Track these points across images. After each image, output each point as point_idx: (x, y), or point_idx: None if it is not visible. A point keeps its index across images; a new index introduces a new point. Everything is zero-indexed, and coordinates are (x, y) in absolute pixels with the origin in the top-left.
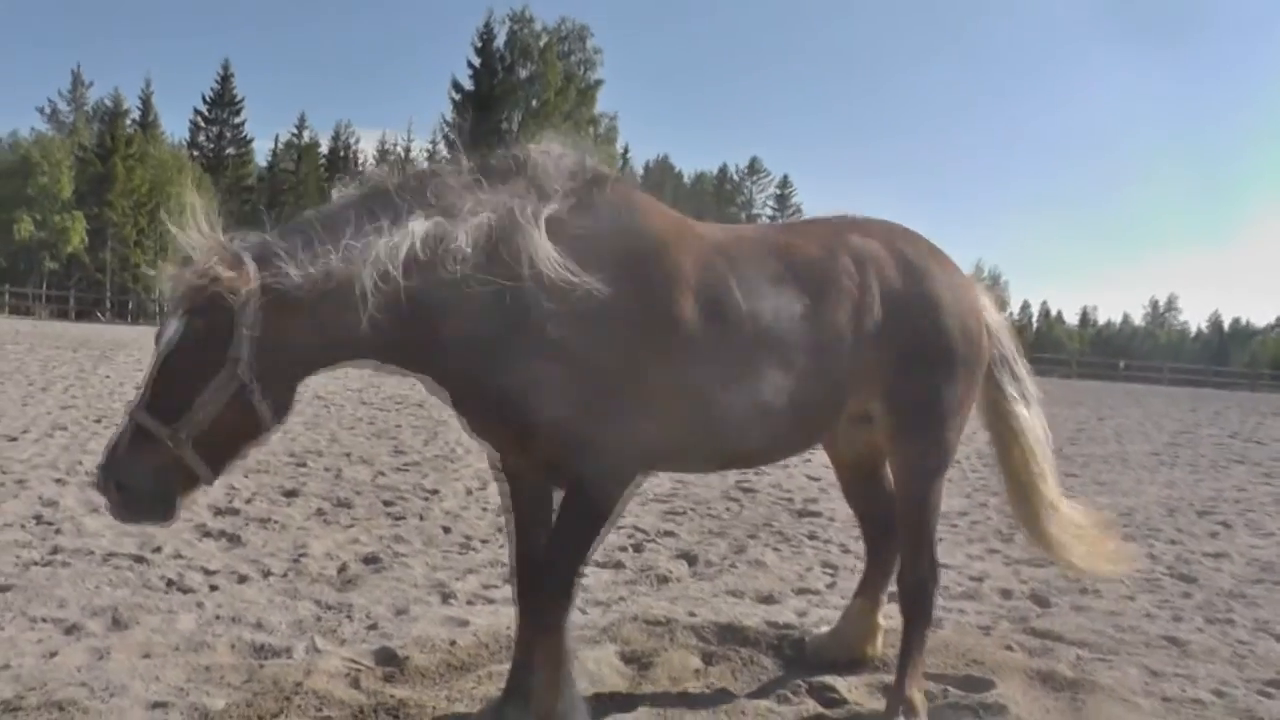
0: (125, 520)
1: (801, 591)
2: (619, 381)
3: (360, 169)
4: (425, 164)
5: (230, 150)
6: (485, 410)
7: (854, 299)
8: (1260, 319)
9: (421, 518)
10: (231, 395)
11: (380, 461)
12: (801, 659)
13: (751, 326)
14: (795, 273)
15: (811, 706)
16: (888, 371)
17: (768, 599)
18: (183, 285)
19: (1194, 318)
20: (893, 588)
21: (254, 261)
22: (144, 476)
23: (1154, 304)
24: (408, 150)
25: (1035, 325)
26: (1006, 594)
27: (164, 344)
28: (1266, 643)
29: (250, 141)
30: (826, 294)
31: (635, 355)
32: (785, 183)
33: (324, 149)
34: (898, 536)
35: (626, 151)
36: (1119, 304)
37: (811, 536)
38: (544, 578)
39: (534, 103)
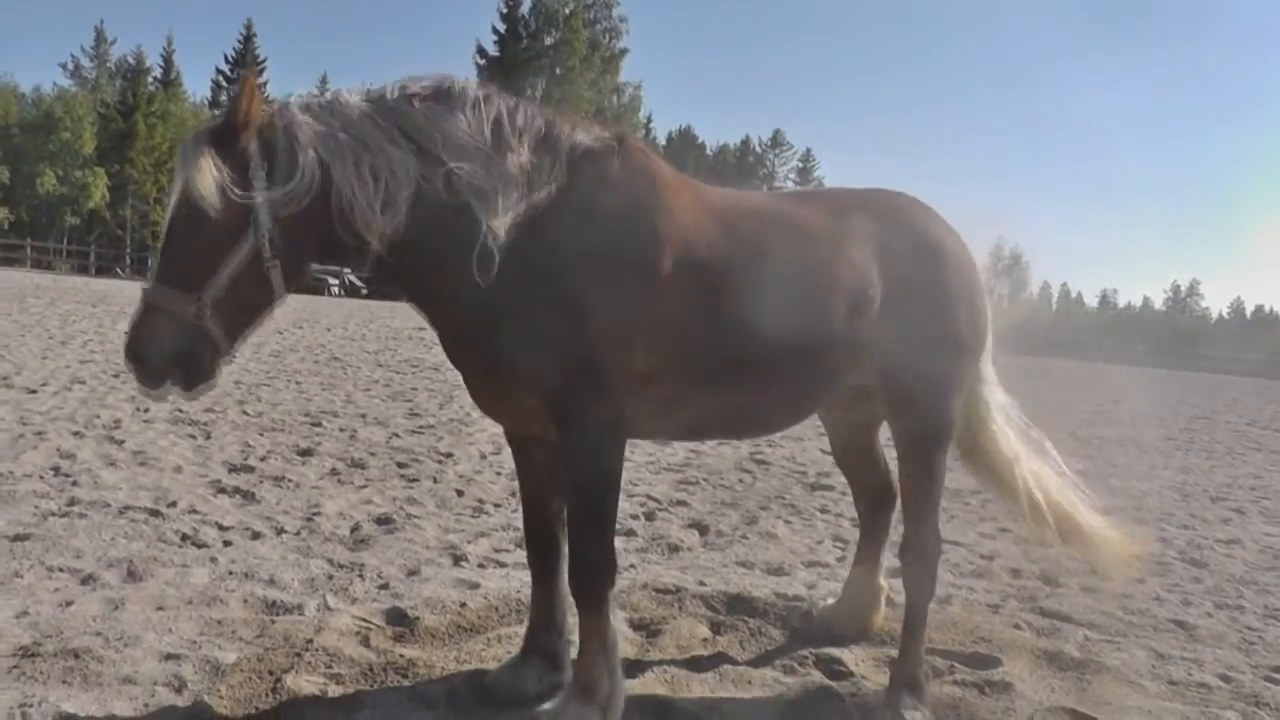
0: (151, 390)
1: (812, 564)
2: (600, 342)
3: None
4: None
5: None
6: (474, 361)
7: (858, 273)
8: None
9: (435, 480)
10: (247, 264)
11: (395, 423)
12: (809, 631)
13: (747, 295)
14: (801, 243)
15: (817, 678)
16: (891, 346)
17: (778, 570)
18: (206, 127)
19: (1215, 304)
20: (895, 561)
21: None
22: (166, 345)
23: (1175, 288)
24: None
25: (1055, 307)
26: (1016, 573)
27: (179, 203)
28: (1275, 629)
29: (272, 102)
30: (830, 266)
31: (623, 312)
32: (808, 156)
33: None
34: (893, 506)
35: (650, 121)
36: (1140, 287)
37: (823, 510)
38: (575, 558)
39: (558, 70)
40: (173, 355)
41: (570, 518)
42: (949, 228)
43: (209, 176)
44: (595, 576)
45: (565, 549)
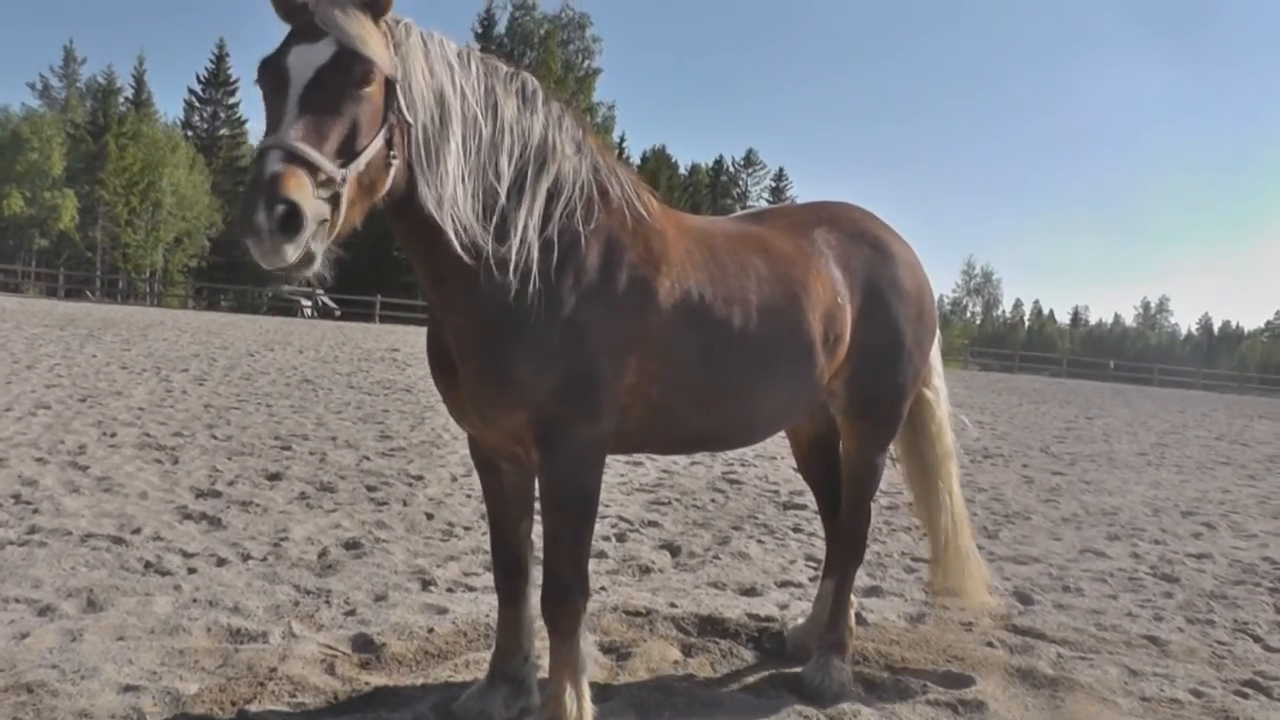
0: (275, 259)
1: (784, 584)
2: (597, 358)
3: None
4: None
5: (224, 131)
6: (470, 367)
7: (829, 284)
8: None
9: (405, 503)
10: (379, 150)
11: (366, 446)
12: (781, 651)
13: (731, 315)
14: (775, 262)
15: (789, 700)
16: (855, 354)
17: (750, 591)
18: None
19: (1184, 320)
20: (866, 579)
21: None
22: (314, 208)
23: (1145, 305)
24: None
25: (1027, 324)
26: (989, 590)
27: (331, 66)
28: (1245, 643)
29: (245, 122)
30: (805, 281)
31: (618, 335)
32: (781, 175)
33: None
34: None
35: (623, 141)
36: (1110, 304)
37: (796, 529)
38: (547, 582)
39: None
40: (316, 220)
41: (545, 540)
42: (893, 230)
43: (379, 39)
44: (567, 601)
45: (533, 572)
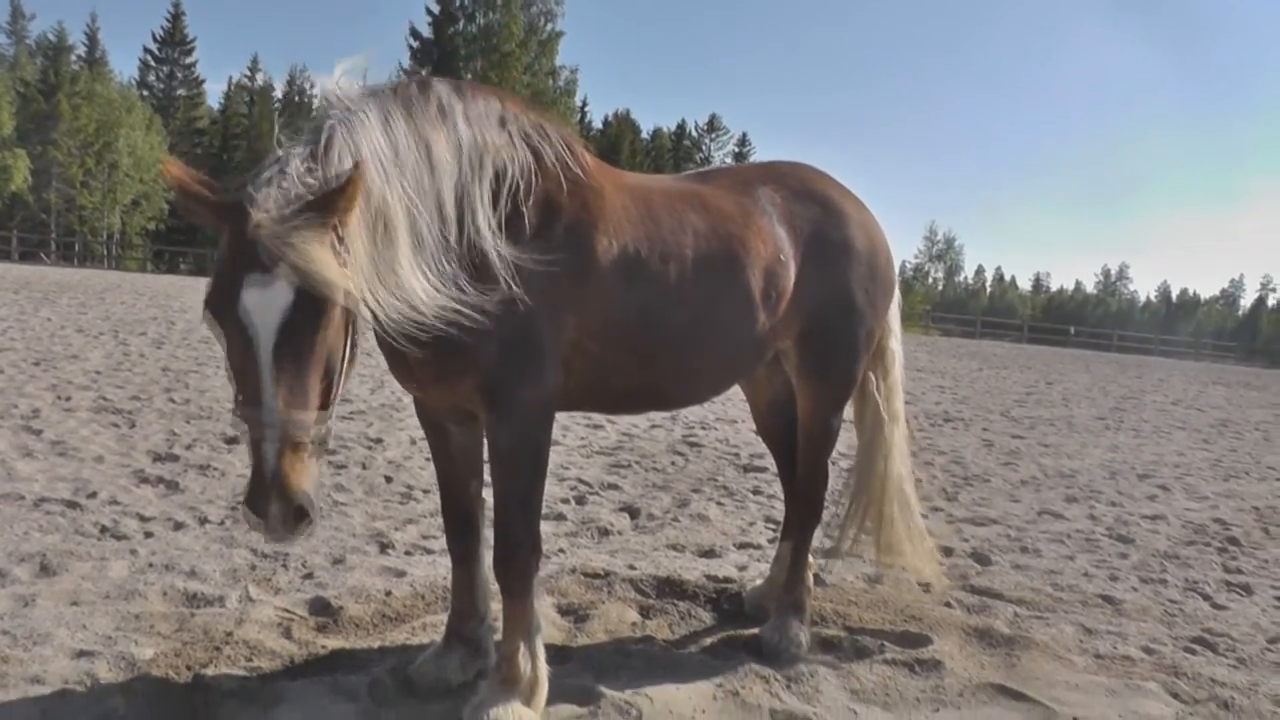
0: (285, 544)
1: (743, 546)
2: (538, 320)
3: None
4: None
5: (181, 91)
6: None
7: (769, 241)
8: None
9: (364, 466)
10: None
11: None
12: (739, 612)
13: (666, 271)
14: (712, 218)
15: (746, 660)
16: (804, 313)
17: (709, 553)
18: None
19: (1144, 287)
20: (825, 541)
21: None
22: (315, 493)
23: (1106, 272)
24: None
25: (989, 290)
26: (948, 551)
27: (294, 307)
28: (1195, 602)
29: (202, 83)
30: (743, 237)
31: (557, 295)
32: (744, 140)
33: (278, 93)
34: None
35: (585, 105)
36: (1072, 271)
37: (755, 491)
38: (499, 541)
39: (494, 54)
40: (318, 485)
41: (495, 500)
42: (846, 190)
43: (332, 258)
44: (518, 559)
45: (485, 533)
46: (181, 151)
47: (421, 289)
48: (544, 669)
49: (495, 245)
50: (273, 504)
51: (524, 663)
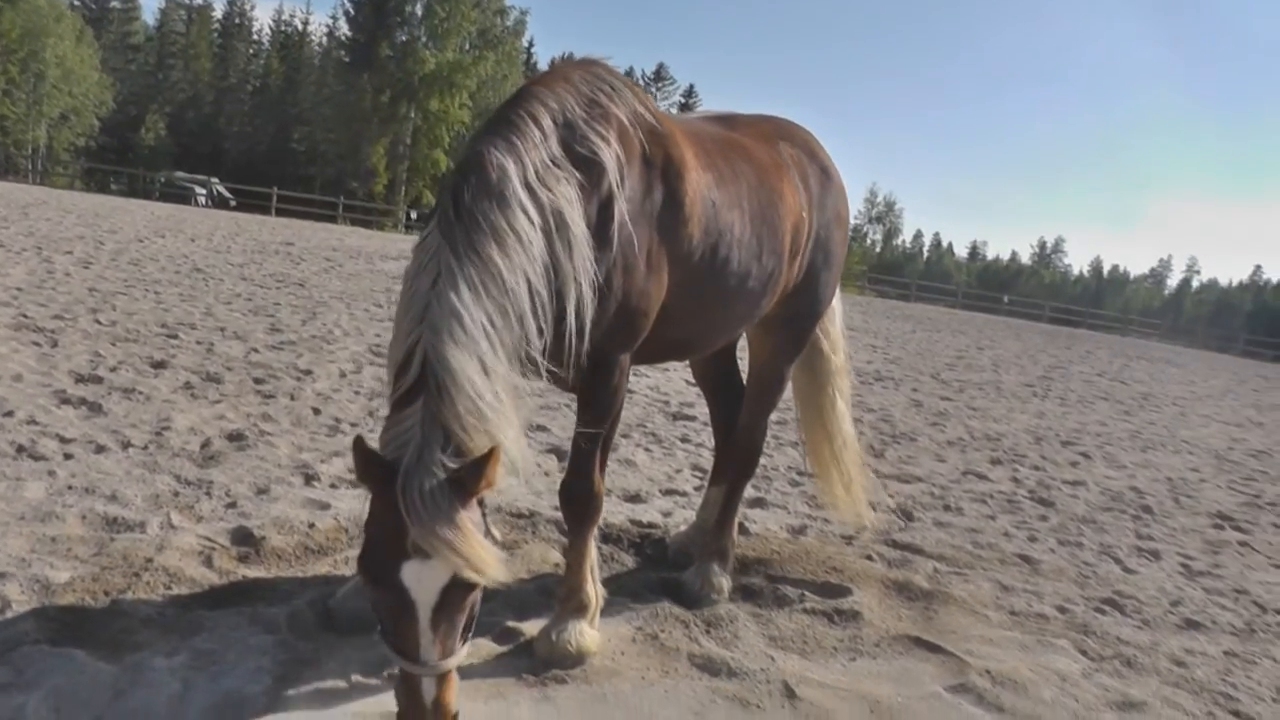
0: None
1: (669, 492)
2: (650, 289)
3: (256, 38)
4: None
5: (115, 4)
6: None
7: (798, 196)
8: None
9: (292, 397)
10: None
11: (255, 338)
12: (663, 557)
13: (731, 223)
14: (758, 174)
15: (666, 604)
16: (796, 270)
17: (634, 498)
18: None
19: (1077, 261)
20: (751, 491)
21: None
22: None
23: (1042, 244)
24: (305, 24)
25: (926, 255)
26: (872, 506)
27: (443, 591)
28: (1108, 565)
29: None
30: (784, 196)
31: (656, 261)
32: (691, 92)
33: (218, 14)
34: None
35: (531, 46)
36: (1008, 241)
37: (684, 439)
38: (576, 483)
39: None
40: None
41: (578, 441)
42: (828, 153)
43: (481, 548)
44: (592, 504)
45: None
46: (114, 67)
47: (521, 456)
48: (601, 597)
49: (610, 259)
50: None
51: (591, 592)
